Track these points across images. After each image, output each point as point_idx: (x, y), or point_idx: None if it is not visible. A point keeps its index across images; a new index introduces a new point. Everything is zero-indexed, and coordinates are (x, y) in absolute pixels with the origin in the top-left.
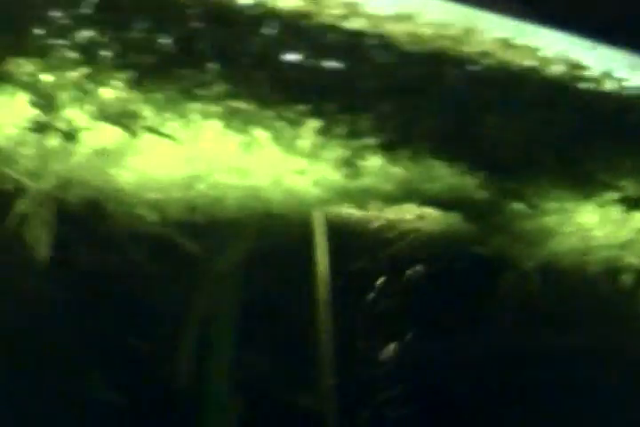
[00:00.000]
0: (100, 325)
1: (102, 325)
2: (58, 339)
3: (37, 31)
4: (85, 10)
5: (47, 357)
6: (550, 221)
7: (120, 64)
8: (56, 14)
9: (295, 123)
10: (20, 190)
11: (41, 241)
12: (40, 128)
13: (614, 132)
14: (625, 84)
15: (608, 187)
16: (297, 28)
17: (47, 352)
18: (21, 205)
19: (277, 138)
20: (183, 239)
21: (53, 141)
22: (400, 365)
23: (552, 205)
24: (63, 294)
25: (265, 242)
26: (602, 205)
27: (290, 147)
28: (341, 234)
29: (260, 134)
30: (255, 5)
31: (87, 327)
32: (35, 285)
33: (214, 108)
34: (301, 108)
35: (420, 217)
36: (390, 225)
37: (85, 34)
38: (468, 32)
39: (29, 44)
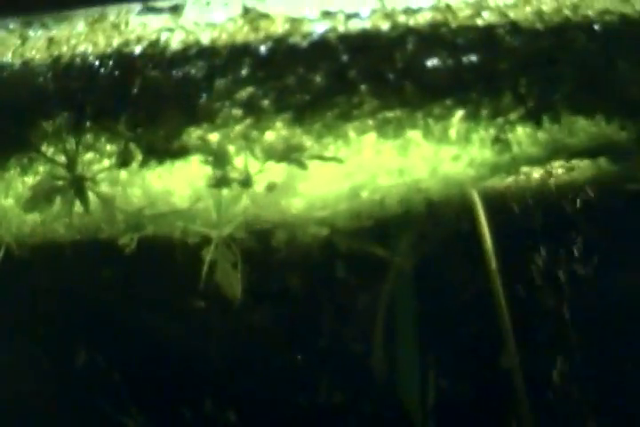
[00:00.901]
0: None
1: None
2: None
3: (204, 98)
4: (244, 70)
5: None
6: None
7: (278, 108)
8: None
9: (442, 117)
10: (205, 241)
11: (232, 283)
12: (215, 182)
13: None
14: None
15: None
16: (432, 36)
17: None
18: (209, 254)
19: (428, 134)
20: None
21: (228, 191)
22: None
23: None
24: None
25: (433, 228)
26: None
27: (441, 139)
28: (502, 204)
29: (413, 135)
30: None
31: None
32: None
33: (368, 123)
34: (447, 102)
35: (570, 169)
36: (544, 183)
37: (245, 92)
38: None
39: (198, 111)
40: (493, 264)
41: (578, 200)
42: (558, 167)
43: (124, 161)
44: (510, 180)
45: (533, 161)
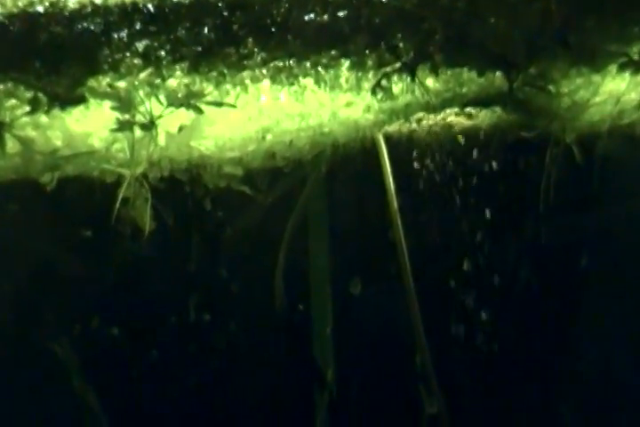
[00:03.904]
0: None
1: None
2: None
3: (105, 52)
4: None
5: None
6: (580, 95)
7: (175, 58)
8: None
9: (331, 66)
10: (120, 179)
11: (144, 216)
12: (122, 126)
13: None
14: None
15: (619, 55)
16: None
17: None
18: (123, 191)
19: (320, 81)
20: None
21: (137, 134)
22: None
23: (577, 80)
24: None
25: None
26: (620, 73)
27: (333, 86)
28: (405, 146)
29: (306, 82)
30: None
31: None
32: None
33: (262, 72)
34: (332, 52)
35: (469, 116)
36: (445, 128)
37: (141, 44)
38: None
39: (100, 63)
40: (395, 204)
41: (476, 146)
42: (454, 114)
43: (32, 108)
44: (413, 125)
45: (429, 108)
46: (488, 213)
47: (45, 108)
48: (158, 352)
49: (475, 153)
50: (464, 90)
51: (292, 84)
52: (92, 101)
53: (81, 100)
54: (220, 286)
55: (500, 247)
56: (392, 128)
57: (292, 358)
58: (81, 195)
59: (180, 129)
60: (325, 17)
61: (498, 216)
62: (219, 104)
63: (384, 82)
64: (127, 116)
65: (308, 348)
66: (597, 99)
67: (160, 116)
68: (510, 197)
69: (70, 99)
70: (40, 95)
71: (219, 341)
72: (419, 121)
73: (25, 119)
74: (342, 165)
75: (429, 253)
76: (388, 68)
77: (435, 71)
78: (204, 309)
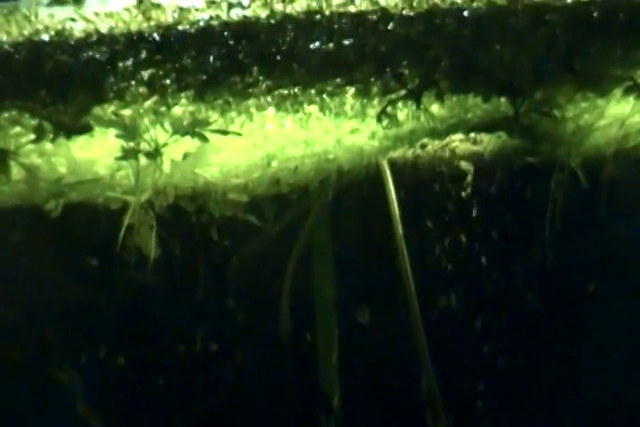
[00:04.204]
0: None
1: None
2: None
3: (110, 80)
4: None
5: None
6: (584, 119)
7: (180, 86)
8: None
9: (336, 93)
10: (125, 206)
11: (148, 244)
12: (127, 154)
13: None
14: None
15: (623, 79)
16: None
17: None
18: (128, 218)
19: (325, 108)
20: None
21: (142, 162)
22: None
23: (582, 104)
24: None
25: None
26: (625, 96)
27: (338, 113)
28: (409, 172)
29: (311, 109)
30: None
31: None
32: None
33: (267, 100)
34: (338, 80)
35: (474, 142)
36: (450, 154)
37: (146, 72)
38: None
39: (106, 91)
40: (400, 231)
41: (480, 171)
42: (459, 140)
43: (38, 136)
44: (417, 151)
45: (433, 134)
46: (494, 239)
47: (50, 136)
48: (164, 381)
49: (480, 179)
50: (469, 115)
51: (297, 111)
52: (97, 129)
53: (86, 128)
54: (226, 313)
55: (507, 273)
56: (397, 154)
57: (297, 385)
58: (86, 222)
59: (185, 156)
60: (331, 45)
61: (504, 242)
62: (224, 132)
63: (389, 109)
64: (132, 144)
65: (313, 375)
66: (602, 123)
67: (165, 144)
68: (516, 222)
69: (76, 127)
70: (45, 124)
71: (224, 368)
72: (423, 147)
73: (30, 147)
74: (347, 192)
75: (435, 280)
76: (394, 96)
77: (440, 98)
78: (209, 337)
